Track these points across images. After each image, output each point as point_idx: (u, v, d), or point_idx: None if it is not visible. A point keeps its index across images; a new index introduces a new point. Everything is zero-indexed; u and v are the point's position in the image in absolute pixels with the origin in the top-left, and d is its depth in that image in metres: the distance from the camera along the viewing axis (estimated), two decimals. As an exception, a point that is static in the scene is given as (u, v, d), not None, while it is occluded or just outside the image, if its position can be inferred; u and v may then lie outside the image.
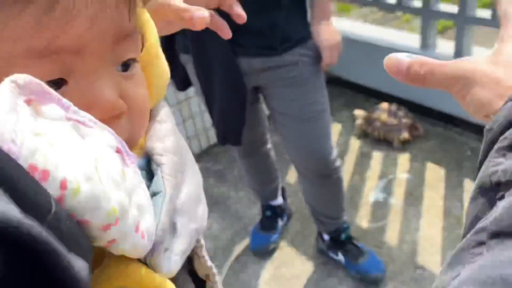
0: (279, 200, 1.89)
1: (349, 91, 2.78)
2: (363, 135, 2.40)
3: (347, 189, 2.08)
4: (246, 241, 1.90)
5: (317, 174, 1.50)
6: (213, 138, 2.51)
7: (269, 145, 1.74)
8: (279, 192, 1.89)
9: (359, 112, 2.44)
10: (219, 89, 1.32)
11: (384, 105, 2.39)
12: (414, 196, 2.00)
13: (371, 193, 2.05)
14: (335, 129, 2.48)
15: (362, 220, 1.92)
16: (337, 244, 1.69)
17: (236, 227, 1.99)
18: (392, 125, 2.27)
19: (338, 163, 1.51)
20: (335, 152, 1.49)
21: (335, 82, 2.72)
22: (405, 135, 2.25)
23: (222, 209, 2.10)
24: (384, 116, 2.30)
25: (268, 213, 1.86)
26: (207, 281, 0.43)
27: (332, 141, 1.48)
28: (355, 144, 2.38)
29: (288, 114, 1.39)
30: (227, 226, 2.00)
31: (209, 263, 0.42)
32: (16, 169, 0.20)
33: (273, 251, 1.83)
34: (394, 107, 2.35)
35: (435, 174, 2.10)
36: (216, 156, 2.45)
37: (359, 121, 2.40)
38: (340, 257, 1.69)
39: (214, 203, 2.14)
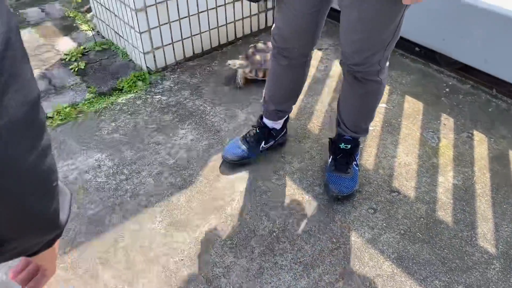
0: (278, 125, 1.78)
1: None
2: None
3: (329, 118, 2.05)
4: (221, 153, 1.84)
5: (360, 75, 1.47)
6: (188, 50, 2.38)
7: (310, 56, 1.60)
8: (285, 118, 1.78)
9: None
10: None
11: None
12: (392, 125, 1.99)
13: (350, 119, 2.03)
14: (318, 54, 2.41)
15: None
16: (335, 149, 1.70)
17: (211, 140, 1.91)
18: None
19: (384, 75, 1.49)
20: (386, 65, 1.47)
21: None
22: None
23: (197, 121, 2.01)
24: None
25: (258, 131, 1.76)
26: None
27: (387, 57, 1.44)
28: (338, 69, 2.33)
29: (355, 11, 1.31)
30: (202, 137, 1.92)
31: None
32: None
33: (245, 164, 1.78)
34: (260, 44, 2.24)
35: (413, 106, 2.10)
36: (193, 70, 2.33)
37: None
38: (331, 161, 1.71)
39: (189, 115, 2.04)
